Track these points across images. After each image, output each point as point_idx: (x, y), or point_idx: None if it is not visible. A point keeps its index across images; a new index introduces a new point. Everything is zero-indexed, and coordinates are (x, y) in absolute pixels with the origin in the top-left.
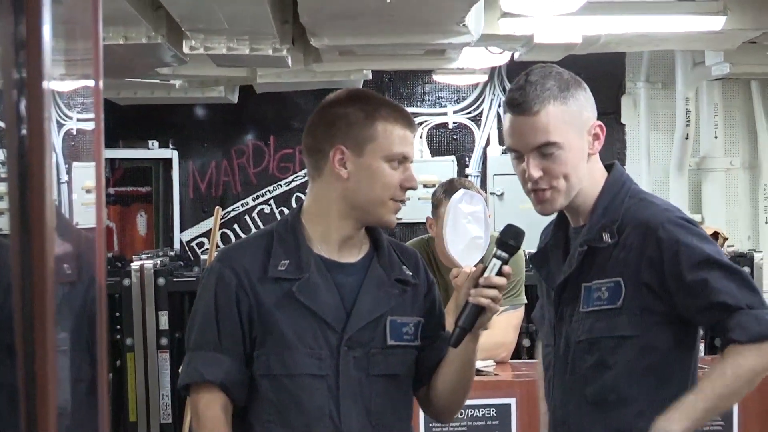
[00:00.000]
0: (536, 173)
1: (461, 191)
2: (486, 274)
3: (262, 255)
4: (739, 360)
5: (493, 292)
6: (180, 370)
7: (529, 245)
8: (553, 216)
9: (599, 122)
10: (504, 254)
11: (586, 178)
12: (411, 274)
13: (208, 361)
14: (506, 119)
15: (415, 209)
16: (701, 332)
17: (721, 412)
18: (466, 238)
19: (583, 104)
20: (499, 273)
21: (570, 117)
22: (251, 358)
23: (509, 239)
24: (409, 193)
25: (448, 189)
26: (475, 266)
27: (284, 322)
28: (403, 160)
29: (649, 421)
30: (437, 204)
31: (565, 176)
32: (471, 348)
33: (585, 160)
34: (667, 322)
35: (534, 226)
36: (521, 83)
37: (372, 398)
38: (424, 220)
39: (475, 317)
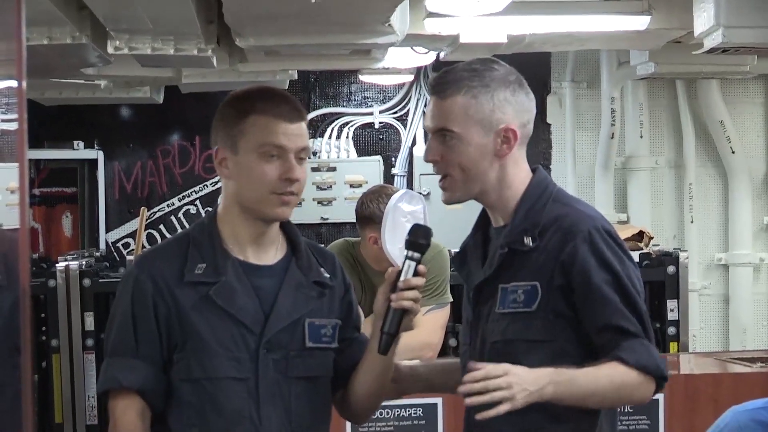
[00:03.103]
0: (430, 156)
1: (402, 191)
2: (402, 277)
3: (178, 259)
4: (625, 378)
5: (414, 293)
6: (99, 376)
7: (455, 245)
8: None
9: (513, 127)
10: (416, 254)
11: (498, 176)
12: (329, 276)
13: (126, 367)
14: None
15: (341, 209)
16: None
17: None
18: (404, 237)
19: (499, 104)
20: (416, 273)
21: (476, 112)
22: (169, 364)
23: (419, 239)
24: (335, 192)
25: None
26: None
27: (203, 326)
28: (280, 151)
29: (561, 425)
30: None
31: (461, 168)
32: (392, 351)
33: (489, 159)
34: (578, 329)
35: (460, 226)
36: (449, 68)
37: (291, 400)
38: (351, 220)
39: (400, 321)
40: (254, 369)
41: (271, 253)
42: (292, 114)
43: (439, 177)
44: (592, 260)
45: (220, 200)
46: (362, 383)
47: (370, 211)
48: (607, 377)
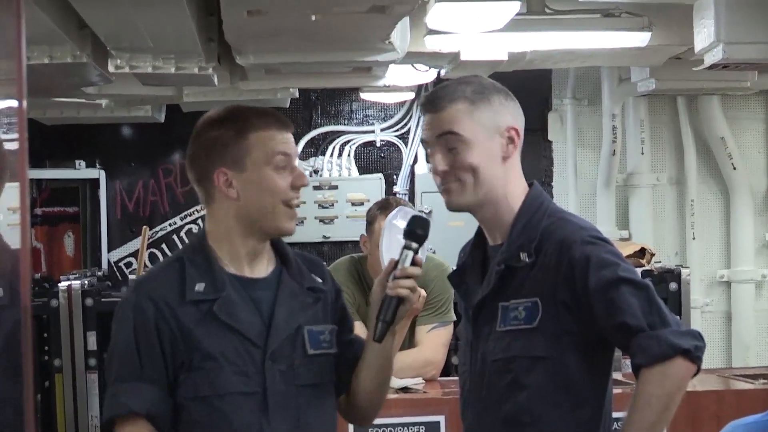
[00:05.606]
0: (441, 166)
1: (397, 208)
2: (400, 266)
3: (177, 280)
4: (648, 389)
5: (410, 282)
6: (103, 405)
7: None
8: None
9: (516, 127)
10: (414, 244)
11: (502, 184)
12: (321, 281)
13: (132, 392)
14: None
15: (344, 227)
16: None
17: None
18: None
19: (497, 109)
20: (413, 264)
21: (478, 116)
22: (175, 385)
23: (417, 228)
24: (337, 211)
25: (383, 205)
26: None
27: (208, 343)
28: (286, 160)
29: None
30: (371, 220)
31: (472, 170)
32: (390, 344)
33: (497, 161)
34: (582, 344)
35: (461, 244)
36: (438, 86)
37: (300, 409)
38: (353, 239)
39: (396, 309)
40: (262, 382)
41: (264, 266)
42: (285, 123)
43: (438, 182)
44: (589, 265)
45: (207, 222)
46: (363, 381)
47: (371, 213)
48: (645, 401)
